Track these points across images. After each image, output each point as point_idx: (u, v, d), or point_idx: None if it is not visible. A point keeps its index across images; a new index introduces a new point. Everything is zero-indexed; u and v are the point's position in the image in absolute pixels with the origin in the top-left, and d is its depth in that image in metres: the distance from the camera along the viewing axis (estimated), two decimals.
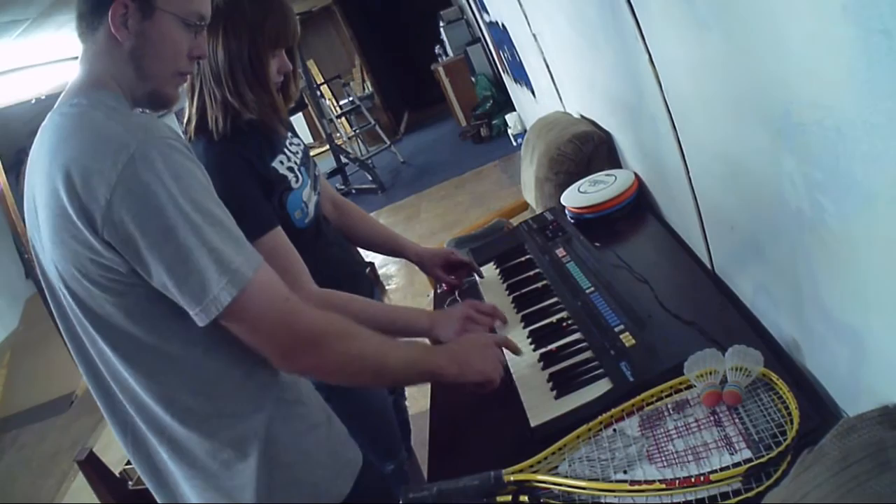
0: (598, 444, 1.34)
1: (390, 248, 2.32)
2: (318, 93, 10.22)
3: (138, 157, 1.18)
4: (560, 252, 2.14)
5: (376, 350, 1.46)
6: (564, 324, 1.81)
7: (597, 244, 2.14)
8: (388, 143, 10.65)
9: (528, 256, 2.28)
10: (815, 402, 1.31)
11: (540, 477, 1.28)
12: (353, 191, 9.63)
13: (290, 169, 1.87)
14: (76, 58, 1.37)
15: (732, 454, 1.20)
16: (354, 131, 11.40)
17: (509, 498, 1.28)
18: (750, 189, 1.40)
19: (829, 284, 1.17)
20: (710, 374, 1.33)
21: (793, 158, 1.12)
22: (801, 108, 1.03)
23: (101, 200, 1.17)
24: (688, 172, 1.79)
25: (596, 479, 1.25)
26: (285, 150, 1.90)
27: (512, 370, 1.70)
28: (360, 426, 1.81)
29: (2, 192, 4.28)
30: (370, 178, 9.64)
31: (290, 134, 1.98)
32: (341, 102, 11.88)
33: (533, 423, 1.52)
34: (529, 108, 5.48)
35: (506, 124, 8.59)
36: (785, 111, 1.08)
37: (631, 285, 1.85)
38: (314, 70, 11.66)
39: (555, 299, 1.94)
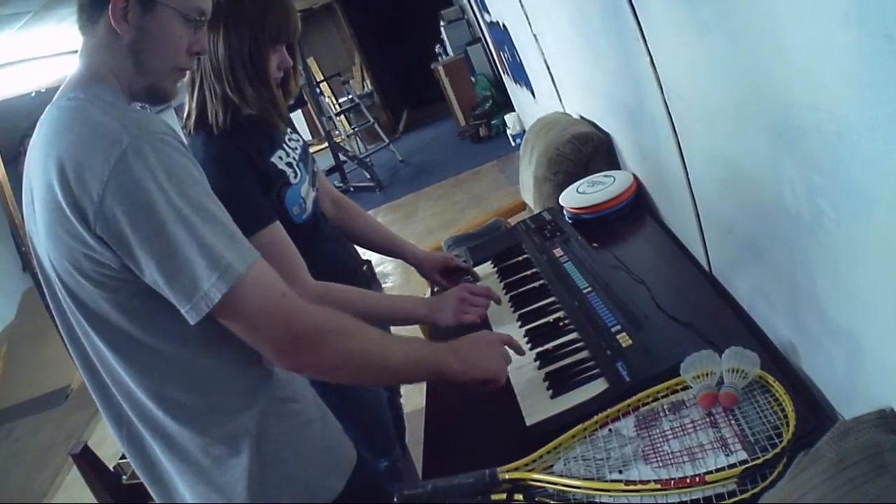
0: (594, 443, 1.34)
1: (388, 248, 2.32)
2: (318, 90, 10.22)
3: (131, 152, 1.18)
4: (558, 252, 2.14)
5: (378, 347, 1.44)
6: (561, 323, 1.81)
7: (594, 245, 2.15)
8: (387, 141, 10.64)
9: (525, 256, 2.28)
10: (811, 404, 1.31)
11: (535, 475, 1.29)
12: (352, 189, 9.63)
13: (289, 164, 1.87)
14: (76, 51, 1.37)
15: (728, 455, 1.20)
16: (353, 129, 11.39)
17: (504, 496, 1.29)
18: (749, 192, 1.40)
19: (826, 288, 1.18)
20: (707, 375, 1.33)
21: (792, 162, 1.12)
22: (802, 112, 1.03)
23: (94, 195, 1.17)
24: (687, 174, 1.79)
25: (591, 479, 1.25)
26: (284, 145, 1.91)
27: (508, 368, 1.69)
28: (354, 423, 1.82)
29: (0, 185, 4.28)
30: (368, 177, 9.64)
31: (289, 130, 1.98)
32: (340, 100, 11.88)
33: (528, 422, 1.52)
34: (529, 109, 5.48)
35: (505, 124, 8.59)
36: (785, 114, 1.08)
37: (628, 286, 1.85)
38: (314, 67, 11.66)
39: (552, 299, 1.94)
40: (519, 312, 1.95)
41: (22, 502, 4.88)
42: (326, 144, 9.70)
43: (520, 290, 2.09)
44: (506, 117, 8.36)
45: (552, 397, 1.56)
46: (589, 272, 1.94)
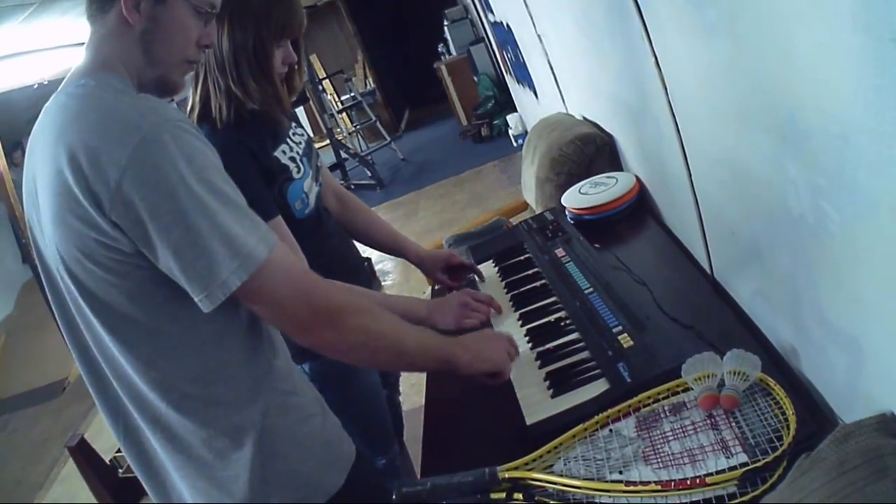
0: (594, 443, 1.34)
1: (390, 246, 2.31)
2: (320, 87, 10.22)
3: (150, 138, 1.18)
4: (559, 252, 2.14)
5: (394, 330, 1.48)
6: (562, 323, 1.81)
7: (596, 245, 2.15)
8: (389, 139, 10.64)
9: (527, 255, 2.28)
10: (812, 408, 1.31)
11: (535, 475, 1.28)
12: (352, 186, 9.62)
13: (293, 159, 1.87)
14: (80, 44, 1.37)
15: (728, 458, 1.20)
16: (355, 127, 11.40)
17: (503, 495, 1.29)
18: (752, 194, 1.40)
19: (829, 291, 1.18)
20: (708, 377, 1.33)
21: (797, 165, 1.12)
22: (808, 115, 1.03)
23: (110, 181, 1.16)
24: (690, 176, 1.79)
25: (591, 479, 1.25)
26: (288, 140, 1.91)
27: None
28: (352, 419, 1.81)
29: (1, 177, 4.28)
30: (369, 174, 9.63)
31: (293, 124, 1.98)
32: (343, 98, 11.86)
33: (529, 421, 1.52)
34: (531, 109, 5.48)
35: (507, 125, 8.58)
36: (791, 117, 1.08)
37: (630, 287, 1.85)
38: (317, 64, 11.65)
39: (553, 298, 1.94)
40: (520, 312, 1.95)
41: (17, 494, 4.88)
42: (328, 141, 9.70)
43: (521, 289, 2.08)
44: (508, 117, 8.35)
45: (553, 397, 1.56)
46: (591, 273, 1.94)
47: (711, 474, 1.15)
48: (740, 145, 1.37)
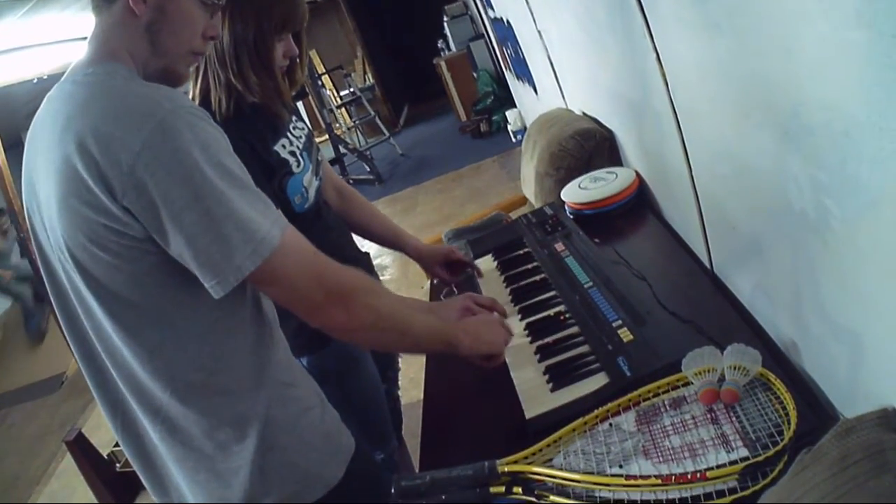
0: (594, 437, 1.34)
1: (390, 240, 2.31)
2: (320, 83, 10.21)
3: (166, 125, 1.17)
4: (559, 246, 2.14)
5: (402, 311, 1.50)
6: (562, 317, 1.81)
7: (596, 240, 2.15)
8: (388, 135, 10.64)
9: (526, 250, 2.28)
10: (812, 403, 1.31)
11: (535, 469, 1.28)
12: (351, 181, 9.59)
13: (292, 153, 1.87)
14: (81, 38, 1.36)
15: (729, 452, 1.20)
16: (354, 122, 11.40)
17: (503, 489, 1.29)
18: (754, 189, 1.40)
19: (830, 286, 1.18)
20: (708, 371, 1.33)
21: (799, 160, 1.12)
22: (810, 110, 1.03)
23: (123, 166, 1.16)
24: (691, 171, 1.79)
25: (591, 473, 1.25)
26: (289, 134, 1.90)
27: (508, 361, 1.69)
28: (351, 413, 1.81)
29: (0, 171, 4.27)
30: (368, 169, 9.63)
31: (294, 118, 1.98)
32: (342, 93, 11.86)
33: (528, 415, 1.52)
34: (530, 105, 5.48)
35: (506, 120, 8.58)
36: (793, 112, 1.08)
37: (629, 282, 1.85)
38: (316, 60, 11.65)
39: (553, 293, 1.94)
40: (519, 306, 1.95)
41: (15, 488, 4.88)
42: (327, 136, 9.69)
43: (520, 283, 2.08)
44: (507, 113, 8.35)
45: (552, 391, 1.56)
46: (590, 267, 1.94)
47: (712, 468, 1.15)
48: (742, 140, 1.37)
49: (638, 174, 2.46)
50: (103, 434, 4.18)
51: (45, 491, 4.70)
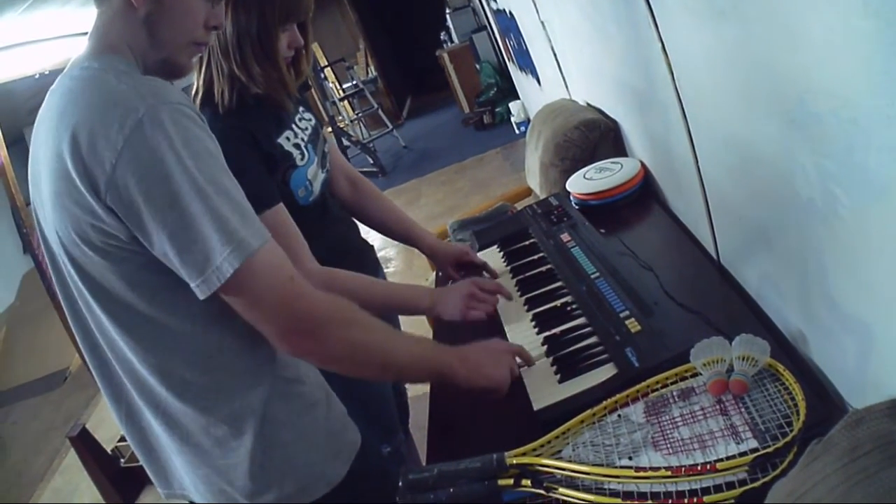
0: (603, 429, 1.34)
1: (403, 234, 2.29)
2: (322, 75, 10.21)
3: (147, 121, 1.16)
4: (565, 237, 2.13)
5: (383, 342, 1.44)
6: (569, 308, 1.80)
7: (602, 231, 2.14)
8: (391, 127, 10.64)
9: (532, 240, 2.27)
10: (821, 394, 1.31)
11: (543, 461, 1.27)
12: None
13: (297, 146, 1.86)
14: (81, 34, 1.35)
15: (738, 443, 1.19)
16: (357, 114, 11.40)
17: (511, 481, 1.28)
18: (761, 179, 1.39)
19: (838, 276, 1.17)
20: (717, 362, 1.32)
21: (806, 148, 1.11)
22: (817, 98, 1.02)
23: (106, 165, 1.15)
24: (697, 161, 1.78)
25: (600, 465, 1.24)
26: (294, 125, 1.89)
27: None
28: (358, 406, 1.81)
29: (2, 166, 4.26)
30: (371, 162, 9.64)
31: (301, 109, 1.96)
32: (345, 86, 11.85)
33: (536, 407, 1.51)
34: (534, 97, 5.47)
35: (509, 112, 8.56)
36: (800, 100, 1.07)
37: (636, 272, 1.85)
38: (318, 53, 11.63)
39: (559, 283, 1.93)
40: (526, 297, 1.95)
41: (19, 484, 4.89)
42: (330, 129, 9.69)
43: (527, 274, 2.08)
44: (510, 105, 8.34)
45: (560, 382, 1.55)
46: (596, 258, 1.93)
47: (722, 460, 1.14)
48: (748, 129, 1.36)
49: (643, 164, 2.45)
50: (107, 429, 4.18)
51: (49, 487, 4.71)
